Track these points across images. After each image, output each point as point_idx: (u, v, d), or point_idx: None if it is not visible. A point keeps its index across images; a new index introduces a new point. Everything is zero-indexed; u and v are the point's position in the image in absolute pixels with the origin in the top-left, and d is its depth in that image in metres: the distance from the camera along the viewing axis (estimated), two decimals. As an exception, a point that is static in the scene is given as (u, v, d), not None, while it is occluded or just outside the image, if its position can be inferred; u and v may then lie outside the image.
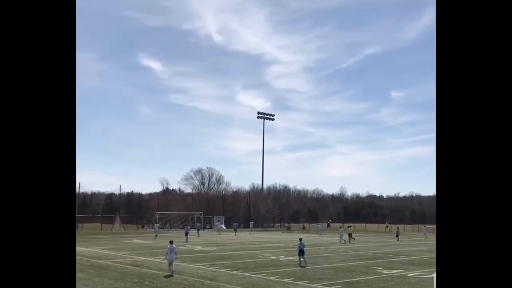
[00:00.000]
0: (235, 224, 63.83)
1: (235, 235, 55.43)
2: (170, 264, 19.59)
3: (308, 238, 46.98)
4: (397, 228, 55.18)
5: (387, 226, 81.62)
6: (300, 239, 24.99)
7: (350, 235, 46.18)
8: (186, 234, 44.75)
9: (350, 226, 56.11)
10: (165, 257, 20.65)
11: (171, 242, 20.28)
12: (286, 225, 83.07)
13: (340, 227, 52.72)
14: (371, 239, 50.84)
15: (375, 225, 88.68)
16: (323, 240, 45.75)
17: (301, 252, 24.10)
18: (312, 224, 79.69)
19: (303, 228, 73.64)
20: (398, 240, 48.73)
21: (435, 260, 21.82)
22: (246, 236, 51.79)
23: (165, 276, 18.72)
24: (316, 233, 61.66)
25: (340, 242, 43.29)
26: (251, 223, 69.47)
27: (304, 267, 22.68)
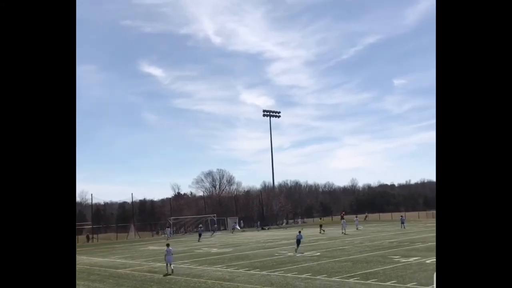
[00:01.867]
0: (234, 224, 64.50)
1: (232, 233, 57.14)
2: (168, 264, 21.65)
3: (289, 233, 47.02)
4: (401, 216, 56.06)
5: (366, 216, 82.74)
6: (299, 231, 29.66)
7: (320, 226, 47.83)
8: (200, 235, 49.05)
9: (321, 219, 58.34)
10: (164, 258, 22.63)
11: (168, 245, 22.64)
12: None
13: (342, 219, 54.15)
14: (385, 229, 50.70)
15: (389, 214, 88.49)
16: (332, 234, 45.68)
17: (298, 242, 27.76)
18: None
19: (262, 228, 69.99)
20: (403, 228, 48.96)
21: (452, 245, 21.41)
22: (260, 235, 51.86)
23: (164, 275, 20.61)
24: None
25: (342, 233, 44.65)
26: (241, 221, 68.49)
27: (302, 254, 26.40)
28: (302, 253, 26.84)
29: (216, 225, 61.65)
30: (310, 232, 48.05)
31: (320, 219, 60.60)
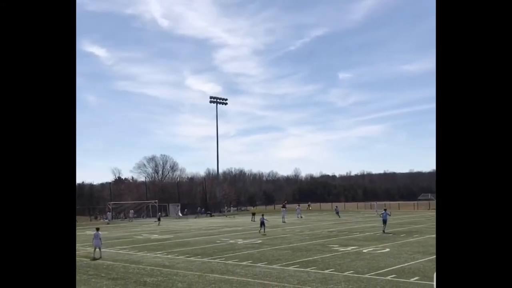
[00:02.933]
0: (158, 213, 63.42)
1: (158, 225, 47.84)
2: (96, 248, 21.39)
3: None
4: (336, 206, 59.51)
5: (309, 205, 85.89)
6: (263, 215, 34.00)
7: (253, 214, 49.44)
8: (159, 219, 50.39)
9: (254, 207, 61.66)
10: (91, 243, 22.80)
11: (97, 229, 22.03)
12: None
13: (282, 207, 55.57)
14: (326, 218, 52.06)
15: (329, 204, 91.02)
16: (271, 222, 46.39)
17: (261, 224, 32.70)
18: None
19: (208, 213, 69.97)
20: (339, 217, 51.44)
21: (387, 235, 22.46)
22: (203, 222, 51.67)
23: (92, 260, 20.50)
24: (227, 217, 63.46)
25: (283, 222, 45.27)
26: (179, 208, 66.79)
27: (264, 235, 30.37)
28: (265, 234, 31.18)
29: (133, 211, 60.28)
30: (249, 220, 48.49)
31: (253, 207, 62.31)
